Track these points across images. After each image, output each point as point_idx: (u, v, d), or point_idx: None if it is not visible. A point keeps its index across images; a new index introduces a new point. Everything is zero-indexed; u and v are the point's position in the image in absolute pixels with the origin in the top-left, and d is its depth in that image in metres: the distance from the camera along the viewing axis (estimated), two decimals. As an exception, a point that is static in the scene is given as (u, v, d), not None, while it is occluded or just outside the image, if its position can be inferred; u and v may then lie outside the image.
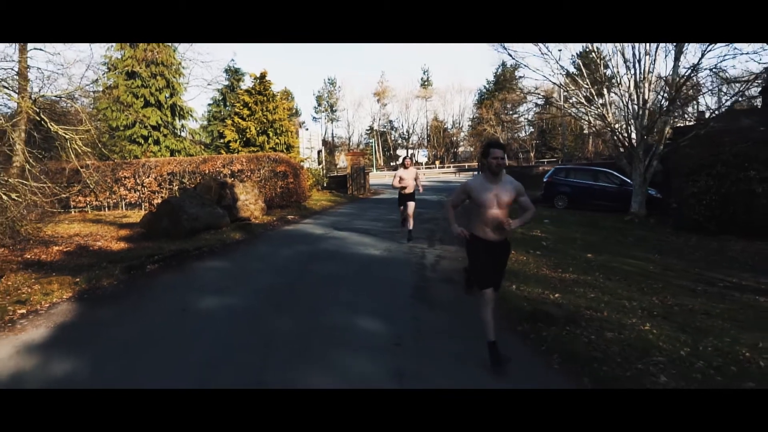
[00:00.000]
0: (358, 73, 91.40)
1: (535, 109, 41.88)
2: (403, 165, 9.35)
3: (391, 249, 8.52)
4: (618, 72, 14.10)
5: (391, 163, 60.51)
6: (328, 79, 68.85)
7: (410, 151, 62.60)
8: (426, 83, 66.87)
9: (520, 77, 49.94)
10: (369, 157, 54.12)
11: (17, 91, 9.83)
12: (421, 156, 57.90)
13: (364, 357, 3.86)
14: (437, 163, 58.04)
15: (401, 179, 9.06)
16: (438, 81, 77.16)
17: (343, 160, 44.58)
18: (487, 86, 59.20)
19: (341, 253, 8.44)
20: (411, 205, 9.10)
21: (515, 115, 52.65)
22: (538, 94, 19.92)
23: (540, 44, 14.42)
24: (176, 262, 7.78)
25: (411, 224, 9.19)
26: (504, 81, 53.47)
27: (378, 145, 63.43)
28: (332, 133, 65.23)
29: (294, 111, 54.97)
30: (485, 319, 3.56)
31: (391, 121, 67.66)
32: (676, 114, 16.10)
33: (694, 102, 17.54)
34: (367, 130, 67.05)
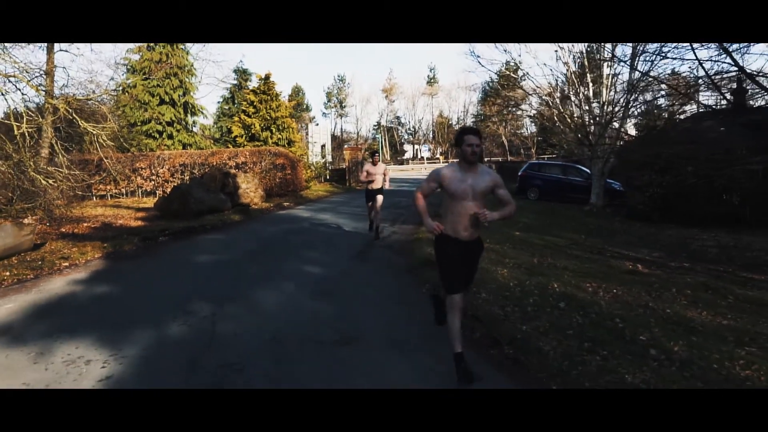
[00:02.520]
0: (366, 70, 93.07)
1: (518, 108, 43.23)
2: (372, 161, 9.42)
3: (358, 227, 10.32)
4: (577, 81, 15.64)
5: (398, 158, 62.24)
6: (338, 76, 70.86)
7: (418, 146, 64.18)
8: (432, 81, 68.32)
9: (524, 76, 51.21)
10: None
11: (45, 90, 11.67)
12: (425, 151, 59.44)
13: (299, 285, 5.71)
14: (441, 158, 59.65)
15: (368, 174, 9.16)
16: (444, 78, 78.78)
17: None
18: (490, 84, 60.44)
19: (317, 229, 10.32)
20: (379, 198, 9.07)
21: (518, 113, 53.86)
22: (514, 97, 21.49)
23: (509, 54, 16.00)
24: (183, 235, 9.68)
25: (377, 219, 9.15)
26: (504, 79, 54.58)
27: (385, 141, 65.10)
28: (341, 128, 67.13)
29: (304, 106, 56.91)
30: (452, 327, 3.27)
31: (398, 117, 69.23)
32: (645, 113, 17.64)
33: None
34: (375, 125, 68.78)
